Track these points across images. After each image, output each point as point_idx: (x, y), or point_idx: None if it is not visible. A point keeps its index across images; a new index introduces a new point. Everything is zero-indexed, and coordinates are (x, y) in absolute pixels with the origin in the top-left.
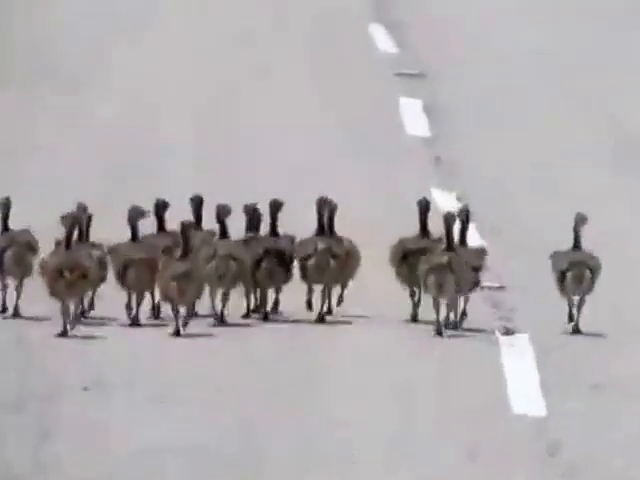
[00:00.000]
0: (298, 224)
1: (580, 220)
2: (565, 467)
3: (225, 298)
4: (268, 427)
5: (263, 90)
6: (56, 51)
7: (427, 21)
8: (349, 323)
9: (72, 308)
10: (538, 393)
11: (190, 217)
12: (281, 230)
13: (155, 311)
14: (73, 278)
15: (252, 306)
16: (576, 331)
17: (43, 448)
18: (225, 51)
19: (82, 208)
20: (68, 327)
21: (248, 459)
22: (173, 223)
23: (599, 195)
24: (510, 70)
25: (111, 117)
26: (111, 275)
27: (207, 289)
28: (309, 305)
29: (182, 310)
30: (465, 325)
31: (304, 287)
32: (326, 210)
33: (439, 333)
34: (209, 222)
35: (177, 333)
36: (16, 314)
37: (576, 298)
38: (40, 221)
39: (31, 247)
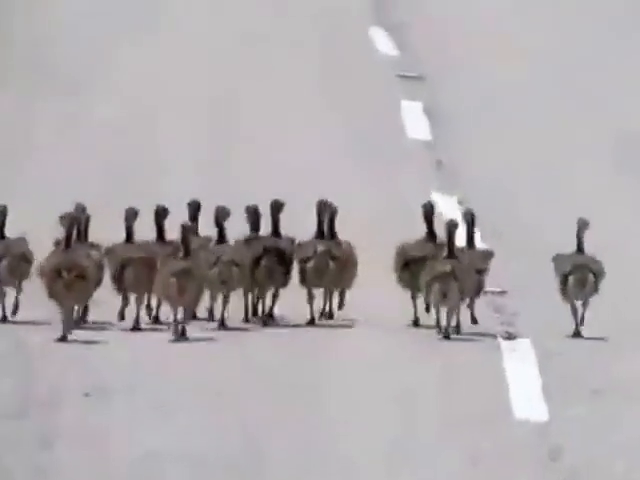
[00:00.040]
0: (298, 226)
1: (583, 225)
2: (567, 472)
3: (226, 301)
4: (269, 432)
5: (264, 93)
6: (55, 52)
7: (427, 23)
8: (350, 327)
9: (69, 313)
10: (540, 398)
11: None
12: (282, 232)
13: (151, 314)
14: (71, 278)
15: (250, 308)
16: (577, 334)
17: (44, 455)
18: (225, 53)
19: (81, 208)
20: (65, 332)
21: (249, 464)
22: (172, 226)
23: (601, 197)
24: (511, 72)
25: (110, 118)
26: (108, 279)
27: (207, 293)
28: (321, 314)
29: (180, 314)
30: (467, 330)
31: (303, 291)
32: (326, 213)
33: (446, 337)
34: (208, 223)
35: (180, 337)
36: (15, 312)
37: (579, 302)
38: (39, 222)
39: (25, 258)
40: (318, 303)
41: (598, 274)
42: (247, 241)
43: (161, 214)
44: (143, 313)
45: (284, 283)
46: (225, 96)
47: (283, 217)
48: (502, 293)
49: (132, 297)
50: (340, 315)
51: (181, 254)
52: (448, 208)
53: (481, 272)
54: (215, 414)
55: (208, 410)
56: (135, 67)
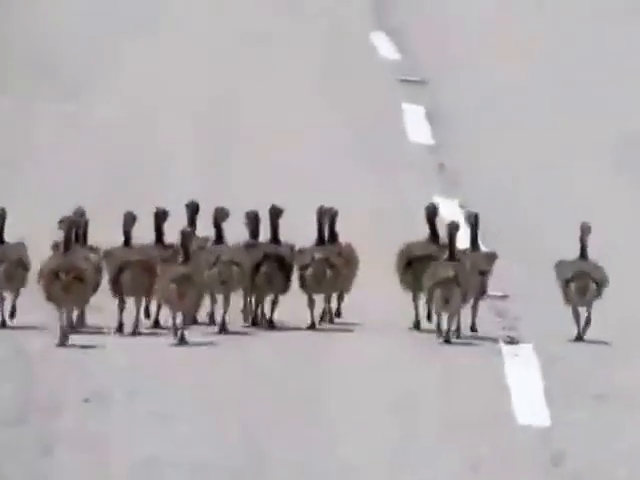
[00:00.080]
0: (298, 231)
1: (586, 230)
2: (569, 477)
3: (227, 303)
4: (270, 437)
5: (265, 96)
6: (55, 53)
7: (428, 27)
8: (351, 331)
9: (67, 317)
10: (542, 403)
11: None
12: (281, 237)
13: (151, 319)
14: (69, 280)
15: (251, 311)
16: (579, 339)
17: (43, 461)
18: (226, 57)
19: (80, 212)
20: (64, 337)
21: (249, 472)
22: (171, 229)
23: (603, 199)
24: (512, 75)
25: (110, 119)
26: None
27: (207, 298)
28: (321, 318)
29: (179, 319)
30: (468, 334)
31: (304, 296)
32: (326, 218)
33: (447, 341)
34: (207, 225)
35: (180, 341)
36: (12, 316)
37: (582, 308)
38: (39, 224)
39: (22, 264)
40: (319, 305)
41: (600, 282)
42: (246, 247)
43: (161, 216)
44: (142, 317)
45: (284, 289)
46: (225, 101)
47: (284, 221)
48: (504, 297)
49: (130, 301)
50: (340, 319)
51: (180, 259)
52: (450, 211)
53: (484, 274)
54: (215, 419)
55: (208, 415)
56: (135, 68)
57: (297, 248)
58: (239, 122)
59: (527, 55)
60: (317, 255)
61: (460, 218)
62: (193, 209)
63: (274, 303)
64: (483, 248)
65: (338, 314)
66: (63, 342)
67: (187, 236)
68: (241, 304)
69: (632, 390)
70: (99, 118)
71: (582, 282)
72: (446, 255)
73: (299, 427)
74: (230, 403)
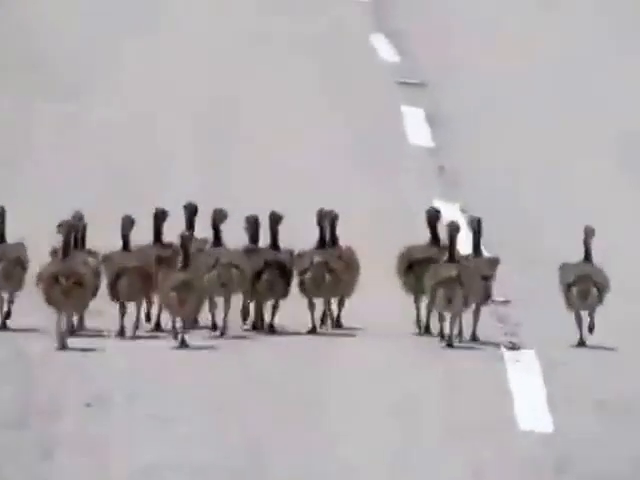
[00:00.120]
0: (298, 234)
1: (590, 232)
2: None
3: (227, 306)
4: (270, 443)
5: (265, 99)
6: (54, 54)
7: (428, 29)
8: (352, 336)
9: (65, 320)
10: (545, 409)
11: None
12: (281, 242)
13: (152, 323)
14: (69, 285)
15: (252, 315)
16: (582, 344)
17: (43, 465)
18: (225, 59)
19: (78, 216)
20: (63, 340)
21: (250, 475)
22: (170, 230)
23: (606, 203)
24: (512, 78)
25: (110, 121)
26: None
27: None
28: (322, 321)
29: (179, 324)
30: (470, 339)
31: (304, 301)
32: (327, 221)
33: (449, 345)
34: (205, 227)
35: (181, 345)
36: (4, 326)
37: (584, 312)
38: (38, 224)
39: (20, 262)
40: (319, 309)
41: (602, 286)
42: (246, 252)
43: (160, 217)
44: (143, 320)
45: (284, 294)
46: (225, 103)
47: (284, 224)
48: (505, 302)
49: (131, 305)
50: (341, 325)
51: (180, 264)
52: (450, 215)
53: (487, 279)
54: (215, 423)
55: (208, 419)
56: (134, 68)
57: (297, 252)
58: (239, 124)
59: (527, 57)
60: (316, 259)
61: (461, 222)
62: (191, 210)
63: (274, 307)
64: (485, 253)
65: (338, 323)
66: (63, 345)
67: (187, 240)
68: (240, 306)
69: (635, 395)
70: (98, 118)
71: (584, 286)
72: (446, 257)
73: (300, 430)
74: (230, 406)
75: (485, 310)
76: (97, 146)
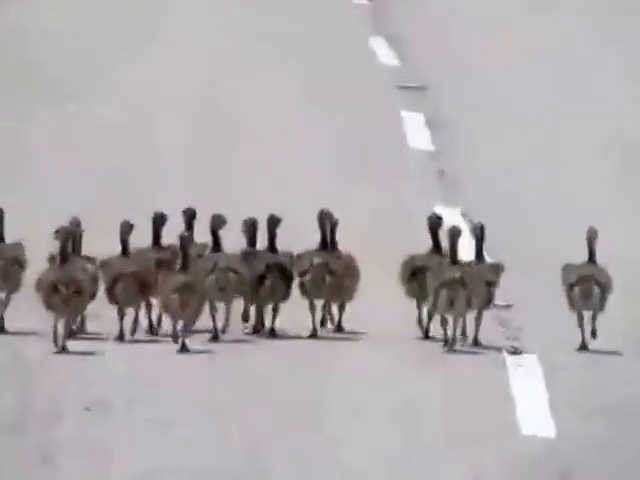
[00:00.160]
0: (298, 240)
1: (593, 234)
2: None
3: (227, 310)
4: (271, 447)
5: (263, 103)
6: (50, 62)
7: (428, 33)
8: (353, 340)
9: (63, 325)
10: (547, 414)
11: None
12: (279, 245)
13: (152, 327)
14: (69, 293)
15: (253, 318)
16: (584, 348)
17: (43, 470)
18: (225, 61)
19: (76, 222)
20: (62, 343)
21: (250, 479)
22: (168, 235)
23: (607, 206)
24: (512, 81)
25: (107, 126)
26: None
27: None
28: (321, 324)
29: (180, 326)
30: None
31: (304, 304)
32: (327, 222)
33: (450, 349)
34: (204, 232)
35: (182, 349)
36: (1, 329)
37: (586, 313)
38: (36, 226)
39: (18, 261)
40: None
41: (605, 286)
42: (245, 255)
43: (159, 220)
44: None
45: (285, 297)
46: (223, 108)
47: (283, 229)
48: (507, 307)
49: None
50: (342, 327)
51: (179, 265)
52: (451, 220)
53: (491, 284)
54: (215, 427)
55: (208, 423)
56: (133, 71)
57: (296, 253)
58: (238, 127)
59: (527, 60)
60: (316, 260)
61: (462, 226)
62: (190, 215)
63: (275, 311)
64: (488, 259)
65: (340, 327)
66: (61, 348)
67: (186, 241)
68: (241, 309)
69: (637, 400)
70: (97, 120)
71: (586, 285)
72: (448, 261)
73: (300, 435)
74: (230, 410)
75: (487, 314)
76: (95, 148)
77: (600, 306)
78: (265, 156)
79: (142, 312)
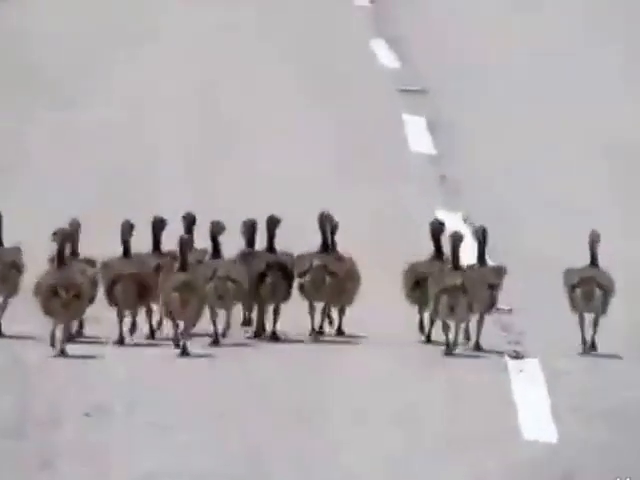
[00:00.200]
0: (297, 243)
1: (595, 237)
2: None
3: (227, 316)
4: (271, 451)
5: (264, 107)
6: (50, 63)
7: (429, 36)
8: (354, 344)
9: (61, 330)
10: (549, 418)
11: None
12: (278, 248)
13: (153, 331)
14: (69, 297)
15: (255, 322)
16: (585, 351)
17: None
18: (224, 66)
19: (75, 224)
20: (61, 347)
21: None
22: (168, 240)
23: (608, 209)
24: (514, 84)
25: (105, 129)
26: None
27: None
28: (320, 327)
29: (181, 327)
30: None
31: (304, 307)
32: (327, 225)
33: (450, 353)
34: (203, 238)
35: (183, 352)
36: None
37: (589, 316)
38: (35, 230)
39: (16, 266)
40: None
41: (607, 289)
42: (243, 256)
43: (158, 225)
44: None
45: (286, 297)
46: (224, 111)
47: (283, 232)
48: (509, 311)
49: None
50: (343, 331)
51: (177, 266)
52: (453, 224)
53: (494, 287)
54: (216, 431)
55: (209, 427)
56: (132, 74)
57: (295, 255)
58: (237, 128)
59: (528, 64)
60: (315, 262)
61: (463, 229)
62: (190, 221)
63: (276, 313)
64: (490, 262)
65: (340, 331)
66: (60, 352)
67: (185, 243)
68: (241, 315)
69: (638, 403)
70: (95, 124)
71: (587, 287)
72: (449, 266)
73: (301, 438)
74: (231, 414)
75: (489, 319)
76: (95, 148)
77: (602, 310)
78: (265, 159)
79: (142, 318)
